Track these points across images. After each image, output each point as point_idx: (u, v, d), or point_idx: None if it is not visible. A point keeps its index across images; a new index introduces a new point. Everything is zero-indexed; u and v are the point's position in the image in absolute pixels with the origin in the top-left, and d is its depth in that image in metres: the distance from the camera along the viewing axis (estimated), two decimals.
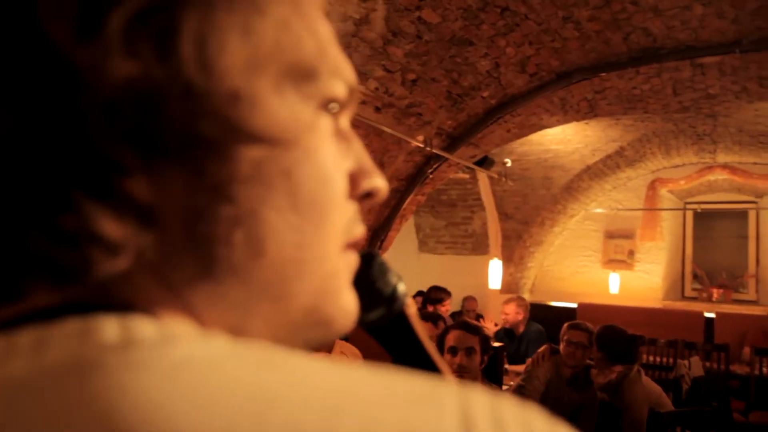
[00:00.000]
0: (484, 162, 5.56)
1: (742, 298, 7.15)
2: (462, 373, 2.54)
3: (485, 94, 4.07)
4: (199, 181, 0.27)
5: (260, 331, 0.31)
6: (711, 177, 7.14)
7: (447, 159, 4.57)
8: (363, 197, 0.36)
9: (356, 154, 0.35)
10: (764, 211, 7.10)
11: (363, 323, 0.58)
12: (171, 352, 0.24)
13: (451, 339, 2.62)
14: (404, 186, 4.68)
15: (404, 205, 4.75)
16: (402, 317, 0.59)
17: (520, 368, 4.11)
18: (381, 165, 4.24)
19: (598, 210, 7.74)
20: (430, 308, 5.29)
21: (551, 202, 7.00)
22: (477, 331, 2.64)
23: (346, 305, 0.35)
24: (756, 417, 4.74)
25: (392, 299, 0.57)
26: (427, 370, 0.61)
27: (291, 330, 0.32)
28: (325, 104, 0.32)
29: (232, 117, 0.27)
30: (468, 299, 6.18)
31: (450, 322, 3.44)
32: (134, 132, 0.26)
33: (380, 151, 4.11)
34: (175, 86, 0.26)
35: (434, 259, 7.73)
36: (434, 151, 4.26)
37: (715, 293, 7.15)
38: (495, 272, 5.61)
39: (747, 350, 5.54)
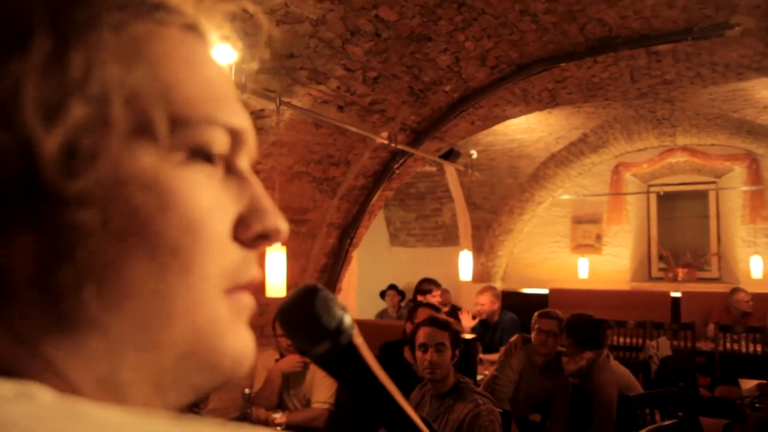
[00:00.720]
0: (450, 154, 5.59)
1: (706, 276, 7.35)
2: (434, 370, 2.55)
3: (447, 89, 4.09)
4: (44, 239, 0.28)
5: (135, 381, 0.30)
6: (672, 159, 7.31)
7: (413, 154, 4.58)
8: (257, 239, 0.35)
9: (250, 195, 0.35)
10: (723, 190, 7.29)
11: (311, 357, 0.59)
12: None
13: (420, 336, 2.62)
14: (371, 183, 4.68)
15: (372, 202, 4.75)
16: (350, 348, 0.59)
17: (495, 357, 4.16)
18: (347, 163, 4.23)
19: (565, 196, 7.86)
20: (420, 298, 5.32)
21: (519, 191, 7.08)
22: (446, 326, 2.65)
23: (234, 349, 0.34)
24: (721, 391, 4.87)
25: (338, 332, 0.57)
26: (379, 398, 0.62)
27: (171, 377, 0.32)
28: (198, 153, 0.32)
29: (67, 180, 0.28)
30: (442, 292, 6.22)
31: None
32: None
33: (345, 149, 4.10)
34: (12, 148, 0.27)
35: (406, 252, 7.76)
36: (399, 146, 4.26)
37: (681, 273, 7.33)
38: (465, 263, 5.65)
39: (711, 327, 5.69)
